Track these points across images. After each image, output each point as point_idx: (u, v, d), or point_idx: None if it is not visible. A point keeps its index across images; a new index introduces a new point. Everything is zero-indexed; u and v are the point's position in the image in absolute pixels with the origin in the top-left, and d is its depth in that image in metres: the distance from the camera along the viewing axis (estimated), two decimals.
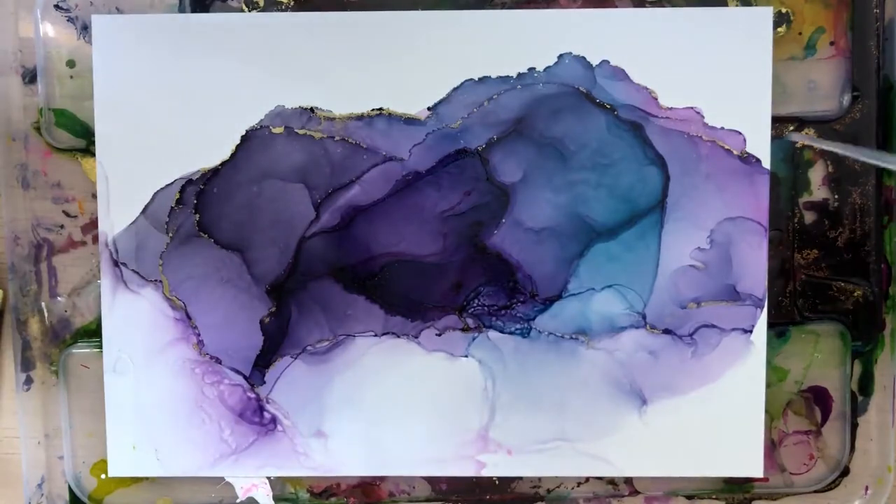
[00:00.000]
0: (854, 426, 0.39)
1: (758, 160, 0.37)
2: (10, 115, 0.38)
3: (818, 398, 0.39)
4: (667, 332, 0.37)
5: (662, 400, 0.37)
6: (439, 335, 0.38)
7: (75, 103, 0.38)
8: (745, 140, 0.37)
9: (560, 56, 0.37)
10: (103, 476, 0.39)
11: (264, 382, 0.38)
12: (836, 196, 0.38)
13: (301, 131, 0.37)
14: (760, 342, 0.37)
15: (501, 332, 0.38)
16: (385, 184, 0.37)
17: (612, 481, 0.39)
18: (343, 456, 0.38)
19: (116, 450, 0.38)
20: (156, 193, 0.37)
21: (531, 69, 0.37)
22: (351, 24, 0.37)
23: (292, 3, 0.38)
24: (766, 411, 0.38)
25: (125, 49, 0.37)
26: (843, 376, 0.39)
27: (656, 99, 0.37)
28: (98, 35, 0.37)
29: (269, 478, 0.39)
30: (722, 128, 0.37)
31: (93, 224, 0.38)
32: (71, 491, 0.39)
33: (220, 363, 0.38)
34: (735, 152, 0.37)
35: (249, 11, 0.38)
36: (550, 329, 0.38)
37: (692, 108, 0.37)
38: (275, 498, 0.39)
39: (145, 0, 0.38)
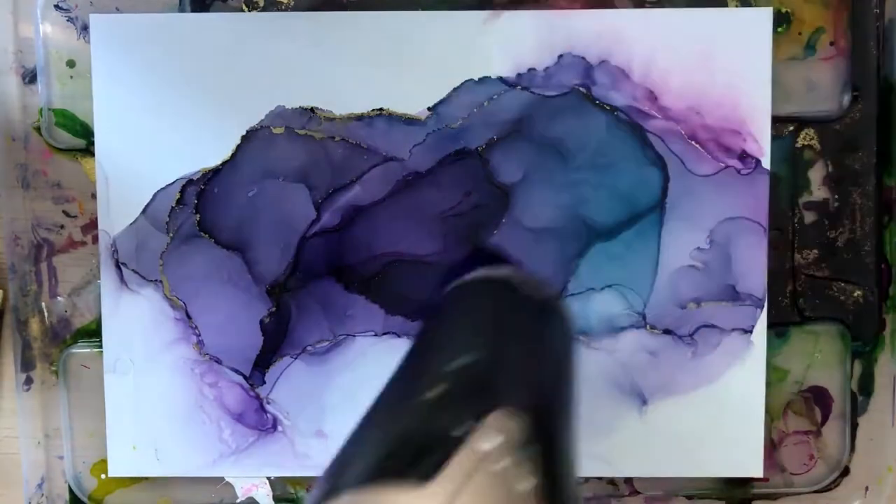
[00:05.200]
0: (854, 426, 0.39)
1: (758, 160, 0.37)
2: (10, 115, 0.38)
3: (818, 398, 0.39)
4: (667, 332, 0.37)
5: (662, 400, 0.37)
6: None
7: (75, 103, 0.38)
8: (745, 140, 0.37)
9: (560, 56, 0.37)
10: (103, 476, 0.39)
11: (264, 382, 0.38)
12: (836, 196, 0.38)
13: (301, 131, 0.37)
14: (760, 342, 0.37)
15: None
16: (385, 184, 0.37)
17: (612, 481, 0.39)
18: None
19: (116, 450, 0.38)
20: (156, 193, 0.37)
21: (531, 69, 0.37)
22: (351, 24, 0.37)
23: (292, 3, 0.38)
24: (766, 411, 0.38)
25: (125, 49, 0.37)
26: (843, 376, 0.39)
27: (656, 99, 0.37)
28: (97, 35, 0.37)
29: (269, 478, 0.39)
30: (722, 128, 0.37)
31: (93, 224, 0.38)
32: (71, 491, 0.39)
33: (220, 363, 0.38)
34: (734, 152, 0.37)
35: (249, 11, 0.38)
36: None
37: (692, 108, 0.37)
38: (275, 498, 0.39)
39: (145, 0, 0.38)
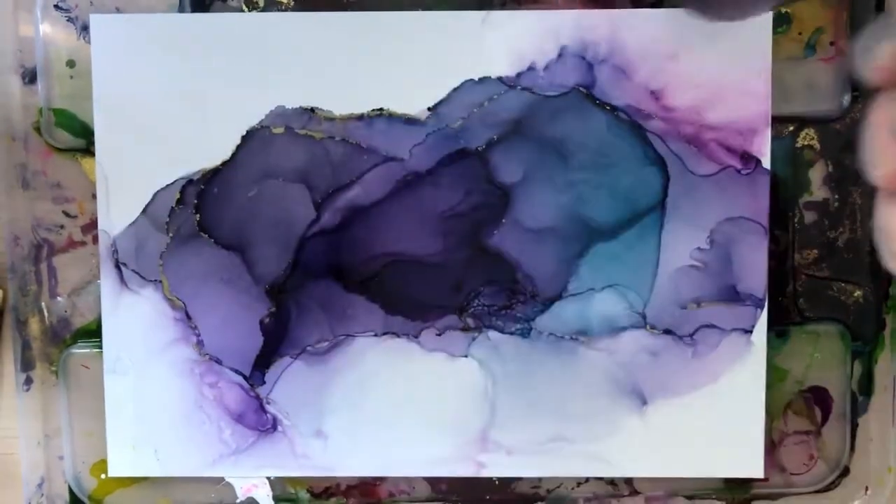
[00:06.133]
0: (854, 426, 0.39)
1: (758, 160, 0.37)
2: (10, 115, 0.38)
3: (818, 398, 0.39)
4: (667, 332, 0.37)
5: (662, 400, 0.37)
6: (439, 335, 0.38)
7: (75, 103, 0.38)
8: (745, 140, 0.37)
9: (560, 56, 0.37)
10: (103, 476, 0.39)
11: (264, 382, 0.38)
12: (836, 196, 0.38)
13: (301, 131, 0.37)
14: (760, 342, 0.37)
15: (501, 332, 0.38)
16: (385, 184, 0.37)
17: (612, 481, 0.39)
18: (343, 456, 0.38)
19: (116, 450, 0.38)
20: (156, 193, 0.37)
21: (531, 69, 0.37)
22: (351, 24, 0.37)
23: (292, 3, 0.38)
24: (766, 411, 0.38)
25: (125, 49, 0.37)
26: (843, 376, 0.39)
27: (657, 99, 0.37)
28: (97, 35, 0.37)
29: (269, 478, 0.39)
30: (722, 128, 0.37)
31: (93, 224, 0.38)
32: (71, 491, 0.39)
33: (219, 363, 0.38)
34: (735, 152, 0.37)
35: (249, 11, 0.38)
36: (551, 329, 0.38)
37: (692, 107, 0.37)
38: (275, 498, 0.39)
39: (145, 0, 0.38)
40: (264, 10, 0.38)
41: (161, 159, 0.37)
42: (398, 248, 0.37)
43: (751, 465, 0.38)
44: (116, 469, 0.39)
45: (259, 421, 0.38)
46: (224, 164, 0.37)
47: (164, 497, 0.40)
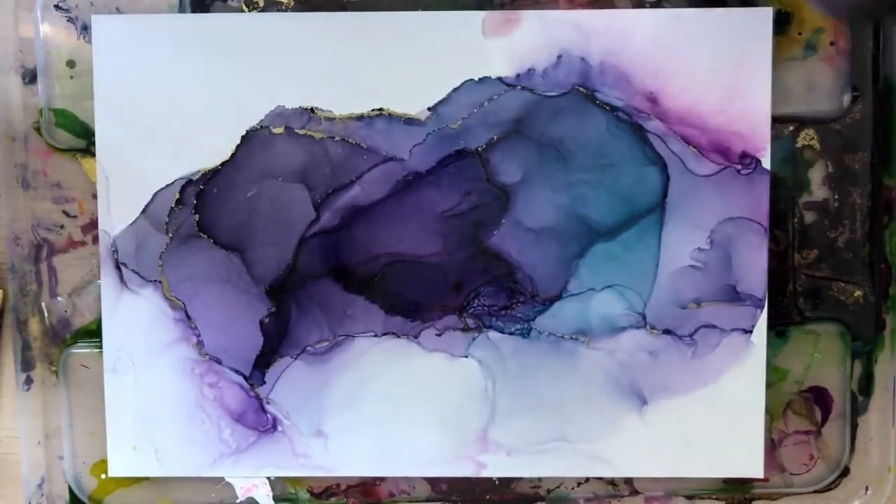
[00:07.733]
0: (854, 426, 0.39)
1: (758, 160, 0.37)
2: (10, 115, 0.38)
3: (818, 398, 0.39)
4: (667, 332, 0.37)
5: (662, 400, 0.38)
6: (439, 335, 0.38)
7: (75, 103, 0.38)
8: (745, 140, 0.37)
9: (560, 56, 0.37)
10: (103, 476, 0.39)
11: (264, 382, 0.38)
12: (836, 196, 0.38)
13: (301, 131, 0.37)
14: (760, 342, 0.37)
15: (501, 332, 0.38)
16: (385, 184, 0.37)
17: (612, 481, 0.39)
18: (343, 456, 0.38)
19: (116, 450, 0.38)
20: (156, 193, 0.37)
21: (531, 69, 0.37)
22: (351, 24, 0.37)
23: (292, 3, 0.38)
24: (766, 411, 0.38)
25: (125, 49, 0.37)
26: (843, 376, 0.39)
27: (656, 99, 0.37)
28: (98, 35, 0.37)
29: (269, 478, 0.39)
30: (722, 128, 0.37)
31: (93, 224, 0.38)
32: (71, 491, 0.39)
33: (219, 363, 0.38)
34: (735, 152, 0.37)
35: (249, 11, 0.38)
36: (550, 329, 0.38)
37: (692, 107, 0.37)
38: (275, 498, 0.39)
39: (145, 0, 0.38)
40: (264, 10, 0.38)
41: (161, 159, 0.37)
42: (398, 249, 0.37)
43: (751, 465, 0.38)
44: (116, 469, 0.39)
45: (259, 421, 0.38)
46: (223, 164, 0.37)
47: (164, 497, 0.40)
